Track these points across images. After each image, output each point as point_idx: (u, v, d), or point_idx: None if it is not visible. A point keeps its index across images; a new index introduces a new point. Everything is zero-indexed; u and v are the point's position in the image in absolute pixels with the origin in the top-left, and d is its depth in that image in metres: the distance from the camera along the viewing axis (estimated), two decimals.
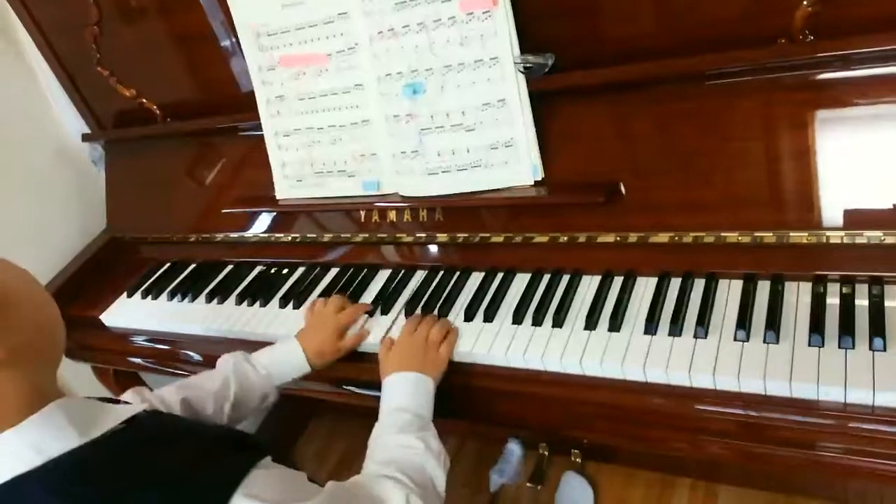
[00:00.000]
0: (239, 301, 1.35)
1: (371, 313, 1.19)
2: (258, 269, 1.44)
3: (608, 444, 1.27)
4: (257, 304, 1.33)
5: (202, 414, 1.00)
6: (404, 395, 0.97)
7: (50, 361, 0.69)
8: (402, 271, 1.27)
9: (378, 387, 1.12)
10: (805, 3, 0.90)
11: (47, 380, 0.67)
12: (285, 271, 1.40)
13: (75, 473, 0.58)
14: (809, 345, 0.86)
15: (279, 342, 1.13)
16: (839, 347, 0.85)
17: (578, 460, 1.61)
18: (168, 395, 0.99)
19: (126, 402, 0.79)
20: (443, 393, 1.04)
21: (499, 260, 1.19)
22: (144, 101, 1.51)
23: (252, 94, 1.31)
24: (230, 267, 1.48)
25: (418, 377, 0.98)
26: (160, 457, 0.63)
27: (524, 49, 1.05)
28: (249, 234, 1.45)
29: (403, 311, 1.18)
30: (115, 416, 0.65)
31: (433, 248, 1.26)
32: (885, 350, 0.83)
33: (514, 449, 1.61)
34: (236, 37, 1.28)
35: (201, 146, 1.51)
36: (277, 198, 1.36)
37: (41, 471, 0.57)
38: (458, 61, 1.07)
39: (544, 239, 1.14)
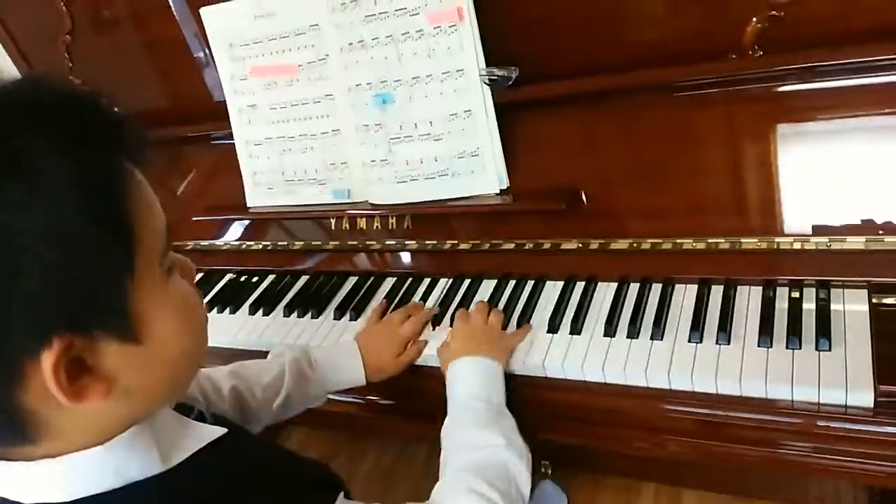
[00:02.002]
0: (208, 308, 1.36)
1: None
2: (228, 276, 1.45)
3: (570, 446, 1.29)
4: (227, 311, 1.34)
5: (249, 404, 0.95)
6: (473, 381, 0.90)
7: (175, 395, 0.62)
8: (372, 278, 1.30)
9: (352, 392, 1.14)
10: (755, 20, 0.94)
11: (164, 403, 0.60)
12: (255, 279, 1.41)
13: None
14: (759, 346, 0.90)
15: (340, 350, 1.08)
16: (787, 348, 0.88)
17: (549, 471, 1.63)
18: (221, 379, 0.94)
19: (197, 409, 0.72)
20: (412, 396, 1.07)
21: (467, 266, 1.22)
22: (116, 110, 1.52)
23: (224, 103, 1.33)
24: (201, 275, 1.49)
25: (485, 360, 0.92)
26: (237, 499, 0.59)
27: (489, 62, 1.08)
28: (220, 242, 1.46)
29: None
30: (196, 439, 0.60)
31: (402, 256, 1.29)
32: (830, 350, 0.86)
33: None
34: (208, 47, 1.30)
35: (173, 155, 1.52)
36: (248, 206, 1.37)
37: (116, 496, 0.52)
38: (426, 73, 1.10)
39: (510, 246, 1.17)
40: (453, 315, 1.12)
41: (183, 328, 0.56)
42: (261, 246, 1.42)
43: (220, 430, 0.63)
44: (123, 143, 0.51)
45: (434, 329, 1.12)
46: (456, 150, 1.13)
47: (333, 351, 1.08)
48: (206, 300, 1.38)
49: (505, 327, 1.07)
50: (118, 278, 0.49)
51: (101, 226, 0.47)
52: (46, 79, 0.51)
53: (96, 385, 0.48)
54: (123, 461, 0.53)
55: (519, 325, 1.06)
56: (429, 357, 1.08)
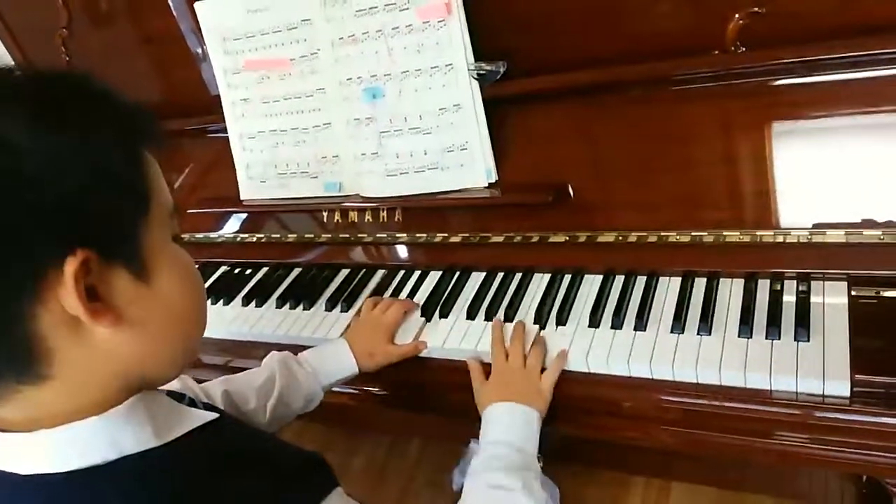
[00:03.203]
0: None
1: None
2: (222, 269, 1.47)
3: (561, 437, 1.31)
4: (220, 302, 1.36)
5: (243, 409, 0.96)
6: (504, 427, 0.91)
7: (172, 368, 0.63)
8: (363, 271, 1.31)
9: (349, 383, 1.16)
10: (737, 16, 0.96)
11: (161, 374, 0.61)
12: (249, 271, 1.43)
13: (144, 478, 0.55)
14: (739, 336, 0.91)
15: (327, 343, 1.10)
16: (766, 338, 0.90)
17: (540, 463, 1.65)
18: (211, 388, 0.96)
19: (188, 397, 0.73)
20: (404, 389, 1.09)
21: (457, 259, 1.23)
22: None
23: (220, 96, 1.34)
24: (195, 267, 1.50)
25: (521, 408, 0.92)
26: (227, 482, 0.58)
27: (478, 57, 1.10)
28: (215, 234, 1.48)
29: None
30: (189, 420, 0.60)
31: (393, 248, 1.30)
32: (808, 341, 0.88)
33: (475, 448, 1.64)
34: (205, 41, 1.32)
35: (169, 147, 1.53)
36: (242, 199, 1.39)
37: (112, 468, 0.53)
38: (416, 67, 1.12)
39: (500, 239, 1.18)
40: (442, 305, 1.14)
41: (185, 287, 0.60)
42: (255, 239, 1.43)
43: (212, 415, 0.64)
44: (139, 125, 0.57)
45: (428, 321, 1.14)
46: (445, 143, 1.15)
47: (320, 346, 1.09)
48: None
49: (492, 319, 1.08)
50: (136, 212, 0.55)
51: (129, 167, 0.55)
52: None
53: (108, 313, 0.52)
54: (118, 432, 0.54)
55: (507, 317, 1.08)
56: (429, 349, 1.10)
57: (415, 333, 1.12)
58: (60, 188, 0.49)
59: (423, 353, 1.09)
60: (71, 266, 0.48)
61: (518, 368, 0.97)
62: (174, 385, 0.90)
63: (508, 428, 0.91)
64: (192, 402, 0.71)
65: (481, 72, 1.09)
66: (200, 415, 0.63)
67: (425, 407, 1.11)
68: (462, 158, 1.15)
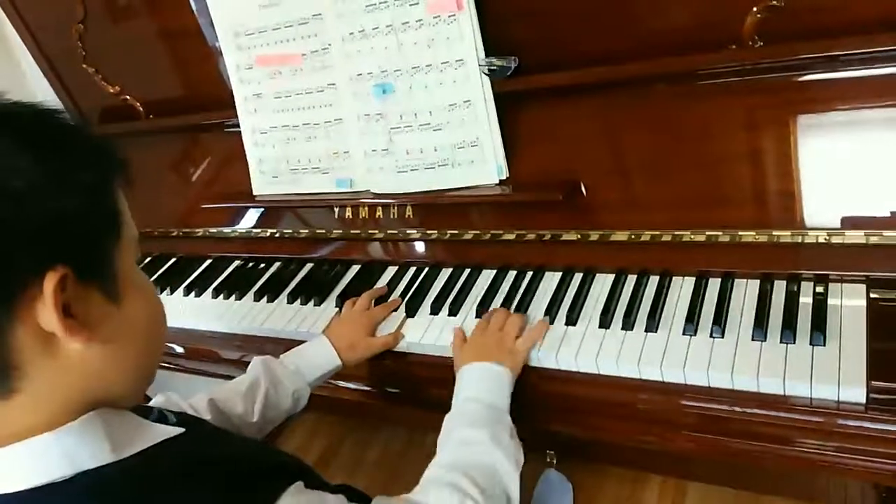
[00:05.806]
0: (215, 295, 1.38)
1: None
2: (235, 263, 1.47)
3: (575, 436, 1.30)
4: (232, 297, 1.36)
5: (231, 414, 0.97)
6: (476, 384, 0.92)
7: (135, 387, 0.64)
8: (374, 267, 1.30)
9: (357, 379, 1.16)
10: (755, 9, 0.93)
11: (123, 393, 0.62)
12: (261, 266, 1.43)
13: (98, 493, 0.55)
14: (752, 339, 0.89)
15: (307, 342, 1.11)
16: (780, 342, 0.88)
17: (553, 461, 1.64)
18: (197, 400, 0.96)
19: (159, 410, 0.74)
20: (410, 387, 1.09)
21: (468, 256, 1.22)
22: (128, 97, 1.55)
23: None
24: (209, 261, 1.51)
25: (493, 366, 0.94)
26: (179, 495, 0.59)
27: (489, 52, 1.08)
28: (228, 229, 1.48)
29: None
30: (150, 436, 0.61)
31: (404, 245, 1.29)
32: (824, 345, 0.86)
33: None
34: None
35: (184, 142, 1.55)
36: (254, 194, 1.39)
37: (67, 484, 0.53)
38: (426, 63, 1.11)
39: (511, 236, 1.17)
40: (452, 303, 1.13)
41: (149, 309, 0.63)
42: (268, 234, 1.43)
43: (175, 430, 0.64)
44: (111, 158, 0.61)
45: (434, 316, 1.13)
46: (456, 140, 1.14)
47: (300, 346, 1.10)
48: (212, 287, 1.40)
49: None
50: (110, 236, 0.58)
51: (105, 193, 0.58)
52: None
53: (81, 330, 0.53)
54: (74, 448, 0.54)
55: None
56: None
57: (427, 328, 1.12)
58: (44, 205, 0.51)
59: (429, 352, 1.09)
60: (51, 281, 0.50)
61: (494, 332, 1.01)
62: (158, 400, 0.93)
63: (478, 385, 0.92)
64: (163, 417, 0.71)
65: (492, 67, 1.08)
66: (163, 430, 0.63)
67: (432, 404, 1.10)
68: (472, 155, 1.14)
